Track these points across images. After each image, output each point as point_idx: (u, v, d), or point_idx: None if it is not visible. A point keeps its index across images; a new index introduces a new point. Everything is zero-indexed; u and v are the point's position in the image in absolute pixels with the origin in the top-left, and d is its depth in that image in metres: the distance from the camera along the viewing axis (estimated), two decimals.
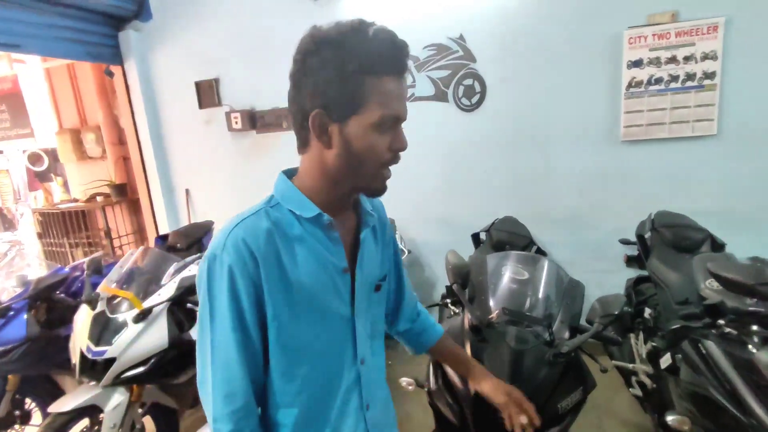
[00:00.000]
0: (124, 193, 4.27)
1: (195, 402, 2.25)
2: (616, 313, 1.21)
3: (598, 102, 2.65)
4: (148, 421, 2.17)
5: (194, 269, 2.09)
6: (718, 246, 2.26)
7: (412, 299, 1.10)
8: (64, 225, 4.21)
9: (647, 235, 2.35)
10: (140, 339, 1.80)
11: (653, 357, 2.07)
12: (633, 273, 2.60)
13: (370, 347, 0.88)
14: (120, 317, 1.85)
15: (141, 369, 1.81)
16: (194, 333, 1.96)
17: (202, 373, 0.78)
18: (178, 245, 3.21)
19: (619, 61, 2.54)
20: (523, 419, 0.97)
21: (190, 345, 1.98)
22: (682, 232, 2.23)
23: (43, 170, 4.94)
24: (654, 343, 2.01)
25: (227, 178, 3.73)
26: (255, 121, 3.47)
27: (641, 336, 2.22)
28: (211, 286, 0.75)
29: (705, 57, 2.40)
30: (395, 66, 0.73)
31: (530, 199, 2.88)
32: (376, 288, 0.89)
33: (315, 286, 0.78)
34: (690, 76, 2.44)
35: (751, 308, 1.33)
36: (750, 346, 1.29)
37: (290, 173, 0.87)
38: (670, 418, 1.34)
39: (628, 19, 2.49)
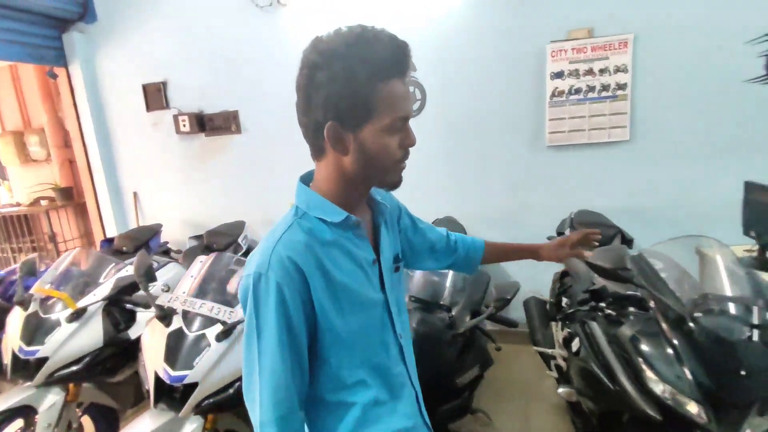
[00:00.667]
0: (70, 196, 4.18)
1: (136, 401, 2.27)
2: (509, 297, 1.36)
3: (526, 110, 2.85)
4: (87, 422, 2.19)
5: (131, 269, 2.07)
6: (627, 240, 2.50)
7: (440, 236, 1.18)
8: (6, 230, 4.09)
9: (567, 232, 2.56)
10: (74, 338, 1.79)
11: (568, 342, 2.28)
12: (560, 267, 2.82)
13: (401, 322, 0.96)
14: (53, 317, 1.84)
15: (75, 368, 1.82)
16: (132, 333, 1.99)
17: (248, 382, 0.82)
18: (125, 249, 3.21)
19: (543, 72, 2.76)
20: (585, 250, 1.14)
21: (127, 344, 2.00)
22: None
23: None
24: (569, 330, 2.21)
25: (176, 181, 3.74)
26: (204, 124, 3.51)
27: (560, 324, 2.42)
28: (257, 303, 0.78)
29: (617, 70, 2.64)
30: (399, 68, 0.76)
31: (467, 200, 3.06)
32: (395, 269, 0.97)
33: (354, 284, 0.84)
34: (605, 87, 2.68)
35: (629, 292, 1.53)
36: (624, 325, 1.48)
37: (306, 180, 0.89)
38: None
39: (551, 34, 2.71)
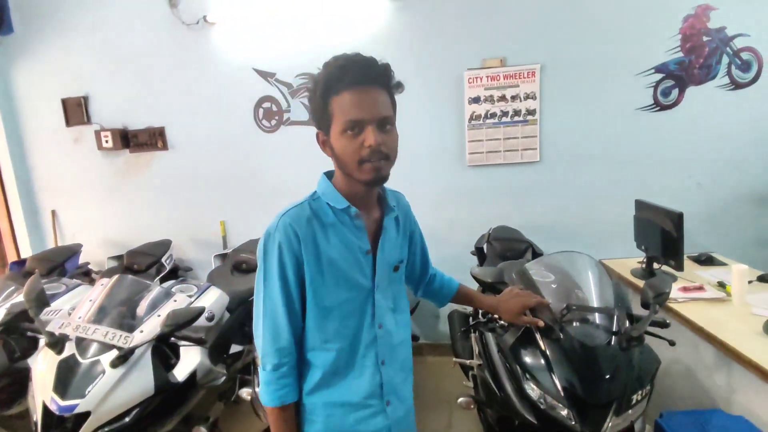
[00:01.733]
0: None
1: None
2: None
3: (448, 131, 3.01)
4: None
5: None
6: (537, 255, 2.67)
7: (426, 267, 1.34)
8: None
9: (484, 247, 2.71)
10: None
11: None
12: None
13: (392, 318, 1.10)
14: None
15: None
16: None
17: (256, 323, 1.02)
18: (36, 270, 3.01)
19: (462, 97, 2.93)
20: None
21: (26, 373, 1.76)
22: (508, 245, 2.61)
23: None
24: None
25: (98, 199, 3.58)
26: (128, 140, 3.40)
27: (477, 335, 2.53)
28: (266, 257, 0.99)
29: (527, 96, 2.86)
30: (348, 81, 0.92)
31: None
32: (395, 268, 1.11)
33: (342, 262, 1.00)
34: (517, 112, 2.88)
35: None
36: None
37: (330, 174, 1.07)
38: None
39: (468, 62, 2.89)
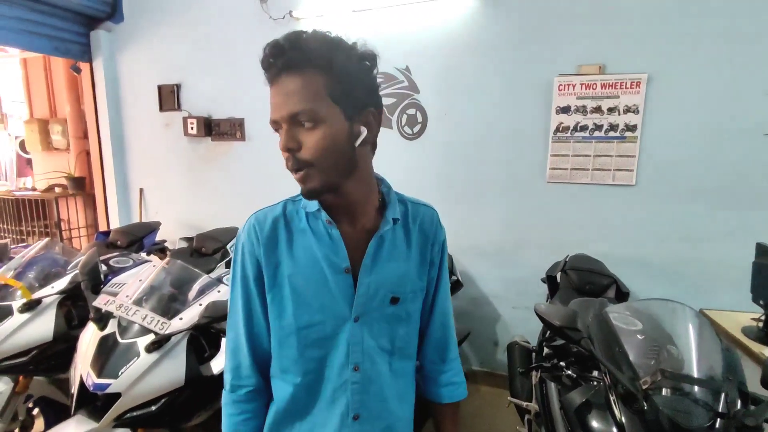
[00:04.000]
0: (82, 186, 4.30)
1: None
2: None
3: (528, 142, 2.72)
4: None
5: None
6: (622, 294, 2.30)
7: (444, 339, 0.97)
8: (18, 213, 4.23)
9: (558, 276, 2.39)
10: (24, 329, 1.69)
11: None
12: None
13: (384, 362, 0.87)
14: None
15: (21, 359, 1.75)
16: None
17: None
18: (118, 243, 3.23)
19: (549, 105, 2.63)
20: None
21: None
22: (587, 277, 2.28)
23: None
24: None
25: (180, 182, 3.78)
26: (210, 128, 3.54)
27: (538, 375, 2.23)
28: (234, 258, 0.90)
29: (628, 110, 2.49)
30: (267, 76, 0.77)
31: (460, 230, 2.92)
32: (393, 300, 0.86)
33: (302, 278, 0.83)
34: (613, 127, 2.53)
35: (593, 353, 1.36)
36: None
37: None
38: None
39: (560, 67, 2.60)
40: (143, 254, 3.13)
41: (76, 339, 1.96)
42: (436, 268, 0.93)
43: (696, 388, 1.08)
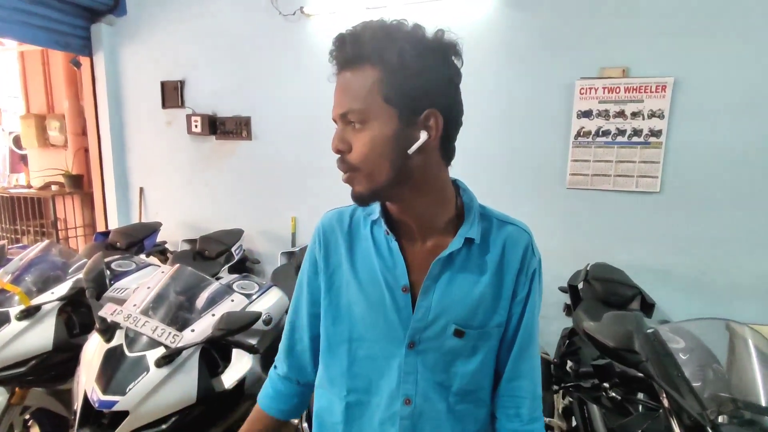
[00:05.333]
0: (80, 184, 4.17)
1: None
2: None
3: (549, 146, 2.64)
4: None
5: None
6: (647, 305, 2.22)
7: (523, 390, 0.79)
8: (12, 211, 4.09)
9: (580, 285, 2.31)
10: (22, 337, 1.58)
11: (568, 412, 2.00)
12: (569, 322, 2.55)
13: (441, 398, 0.75)
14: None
15: (19, 369, 1.65)
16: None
17: None
18: (118, 244, 3.11)
19: (570, 109, 2.55)
20: None
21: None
22: (612, 288, 2.19)
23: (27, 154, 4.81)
24: (570, 398, 1.94)
25: (183, 181, 3.66)
26: (215, 126, 3.43)
27: (561, 391, 2.14)
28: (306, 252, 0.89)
29: (652, 114, 2.41)
30: (334, 63, 0.72)
31: None
32: (456, 332, 0.74)
33: (363, 289, 0.76)
34: (636, 132, 2.45)
35: (639, 374, 1.27)
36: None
37: None
38: None
39: (581, 70, 2.51)
40: (143, 256, 3.01)
41: (77, 348, 1.85)
42: (521, 303, 0.78)
43: (765, 417, 0.99)
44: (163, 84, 3.54)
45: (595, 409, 1.27)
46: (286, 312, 2.13)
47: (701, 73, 2.32)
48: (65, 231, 4.12)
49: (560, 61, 2.55)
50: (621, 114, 2.46)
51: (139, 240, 3.22)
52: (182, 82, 3.50)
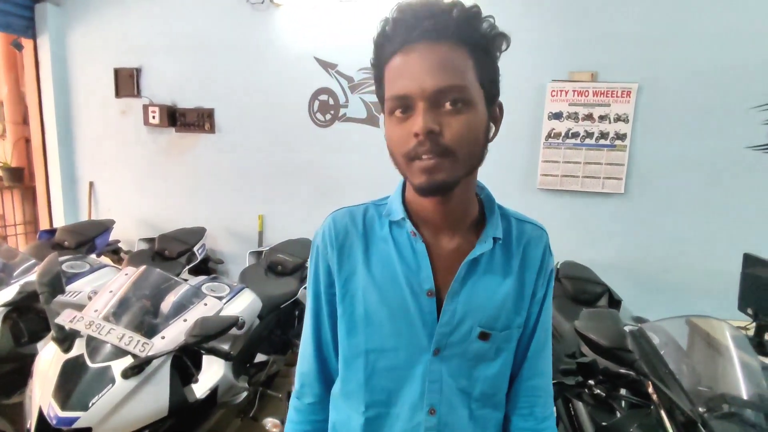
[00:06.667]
0: (20, 178, 3.81)
1: None
2: None
3: (519, 147, 2.69)
4: None
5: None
6: (615, 301, 2.31)
7: (538, 390, 0.78)
8: None
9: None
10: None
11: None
12: None
13: (464, 406, 0.72)
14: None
15: None
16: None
17: None
18: (66, 243, 2.88)
19: (541, 111, 2.60)
20: None
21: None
22: (581, 285, 2.26)
23: None
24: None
25: (138, 175, 3.43)
26: (175, 118, 3.24)
27: None
28: (310, 258, 0.79)
29: (618, 118, 2.51)
30: (399, 40, 0.62)
31: None
32: (482, 335, 0.70)
33: (377, 296, 0.71)
34: (603, 135, 2.54)
35: (622, 371, 1.30)
36: (617, 412, 1.26)
37: None
38: None
39: (553, 72, 2.57)
40: (94, 256, 2.80)
41: (24, 358, 1.68)
42: (539, 303, 0.76)
43: (749, 411, 1.03)
44: (116, 71, 3.30)
45: (580, 406, 1.29)
46: (258, 316, 2.06)
47: (662, 80, 2.44)
48: (4, 228, 3.76)
49: (532, 61, 2.60)
50: (589, 117, 2.54)
51: (90, 239, 2.99)
52: (138, 70, 3.28)
